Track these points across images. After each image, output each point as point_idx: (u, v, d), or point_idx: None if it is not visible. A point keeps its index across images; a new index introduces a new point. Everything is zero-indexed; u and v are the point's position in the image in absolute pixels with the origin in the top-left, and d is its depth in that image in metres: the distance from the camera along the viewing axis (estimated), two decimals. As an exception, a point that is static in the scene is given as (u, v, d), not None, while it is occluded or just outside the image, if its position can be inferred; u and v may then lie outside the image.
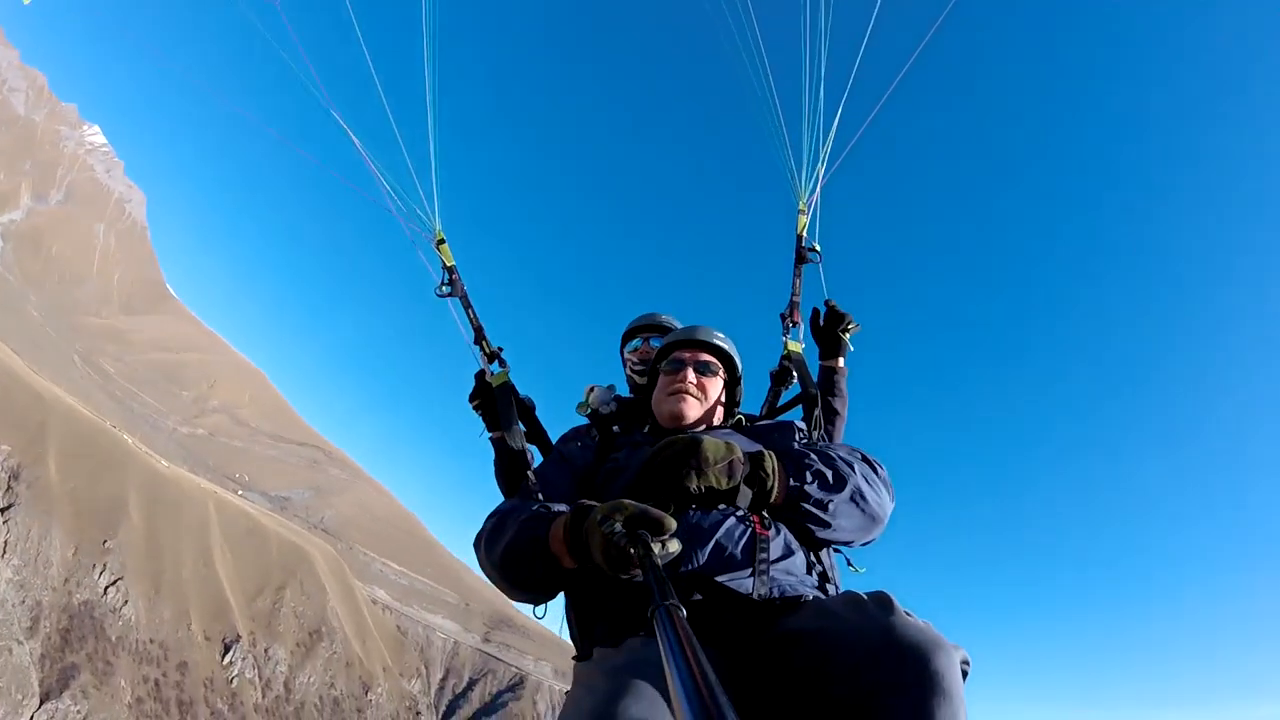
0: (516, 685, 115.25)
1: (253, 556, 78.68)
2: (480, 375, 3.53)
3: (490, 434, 3.54)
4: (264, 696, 73.52)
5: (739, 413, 3.25)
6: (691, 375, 2.95)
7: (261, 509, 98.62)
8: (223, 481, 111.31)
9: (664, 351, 3.12)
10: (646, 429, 3.08)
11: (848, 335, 3.71)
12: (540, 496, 2.66)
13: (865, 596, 1.85)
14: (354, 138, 3.66)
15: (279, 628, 77.18)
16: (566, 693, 2.10)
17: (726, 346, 3.08)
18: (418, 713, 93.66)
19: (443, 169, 3.72)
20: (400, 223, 3.66)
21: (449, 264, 3.64)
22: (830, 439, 3.43)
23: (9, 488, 61.29)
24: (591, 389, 3.70)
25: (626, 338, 4.00)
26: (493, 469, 3.57)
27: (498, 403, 3.40)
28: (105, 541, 60.62)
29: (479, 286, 3.69)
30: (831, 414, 3.55)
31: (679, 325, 3.85)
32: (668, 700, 1.49)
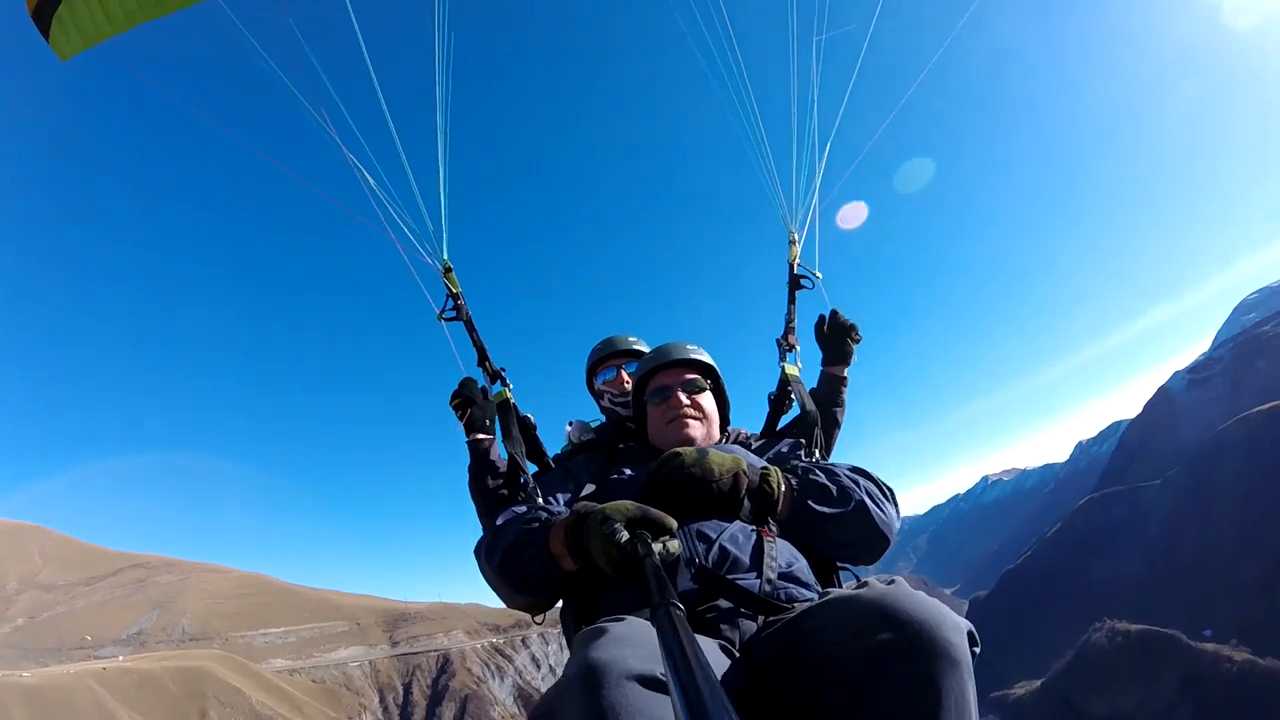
0: (445, 665, 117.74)
1: (159, 703, 75.90)
2: (467, 380, 3.49)
3: (467, 437, 3.42)
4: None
5: (732, 429, 3.30)
6: (683, 398, 2.92)
7: (131, 656, 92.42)
8: (76, 655, 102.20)
9: (642, 382, 3.07)
10: (639, 447, 3.06)
11: (854, 345, 3.67)
12: (541, 502, 2.69)
13: (872, 580, 1.83)
14: (366, 174, 3.59)
15: None
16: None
17: (704, 358, 3.04)
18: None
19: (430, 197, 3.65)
20: (400, 252, 3.61)
21: (455, 290, 3.61)
22: (828, 449, 3.46)
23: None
24: (571, 424, 3.86)
25: (594, 369, 3.92)
26: (466, 477, 3.41)
27: (498, 420, 3.39)
28: (36, 782, 56.60)
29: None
30: (832, 424, 3.56)
31: (643, 345, 3.86)
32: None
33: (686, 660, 0.97)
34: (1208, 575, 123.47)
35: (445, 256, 3.66)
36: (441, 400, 3.56)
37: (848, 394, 3.70)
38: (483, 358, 3.55)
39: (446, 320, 3.58)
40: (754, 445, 3.06)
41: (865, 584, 1.79)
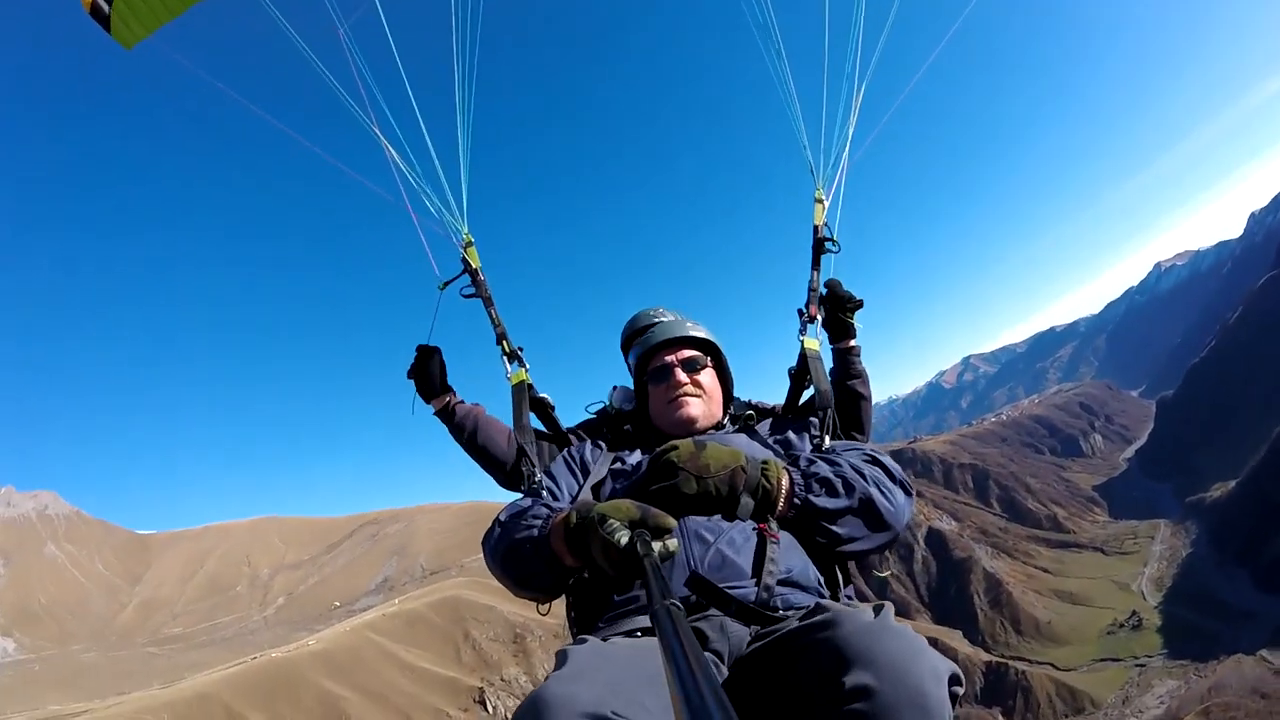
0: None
1: (430, 635, 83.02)
2: (421, 348, 3.39)
3: (433, 408, 3.39)
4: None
5: (753, 404, 3.26)
6: (682, 375, 2.87)
7: (390, 602, 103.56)
8: (339, 614, 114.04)
9: (642, 362, 3.00)
10: (643, 429, 3.05)
11: (852, 316, 3.41)
12: (546, 494, 2.63)
13: (860, 606, 1.79)
14: (391, 151, 3.44)
15: (528, 664, 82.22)
16: None
17: (703, 333, 2.98)
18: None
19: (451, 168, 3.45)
20: (416, 226, 3.46)
21: (475, 265, 3.48)
22: (861, 426, 3.34)
23: None
24: (615, 389, 3.73)
25: (626, 348, 3.67)
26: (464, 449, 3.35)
27: (513, 402, 3.24)
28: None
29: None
30: (856, 399, 3.36)
31: (668, 315, 3.61)
32: (644, 692, 1.55)
33: (687, 660, 0.96)
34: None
35: (466, 230, 3.53)
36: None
37: (863, 362, 3.48)
38: (501, 336, 3.42)
39: (465, 298, 3.48)
40: (762, 425, 2.96)
41: (852, 611, 1.74)
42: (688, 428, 2.81)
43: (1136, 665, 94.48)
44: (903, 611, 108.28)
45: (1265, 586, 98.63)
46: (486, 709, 75.10)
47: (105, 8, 3.51)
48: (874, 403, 3.53)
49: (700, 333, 2.99)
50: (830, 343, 3.45)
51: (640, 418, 3.12)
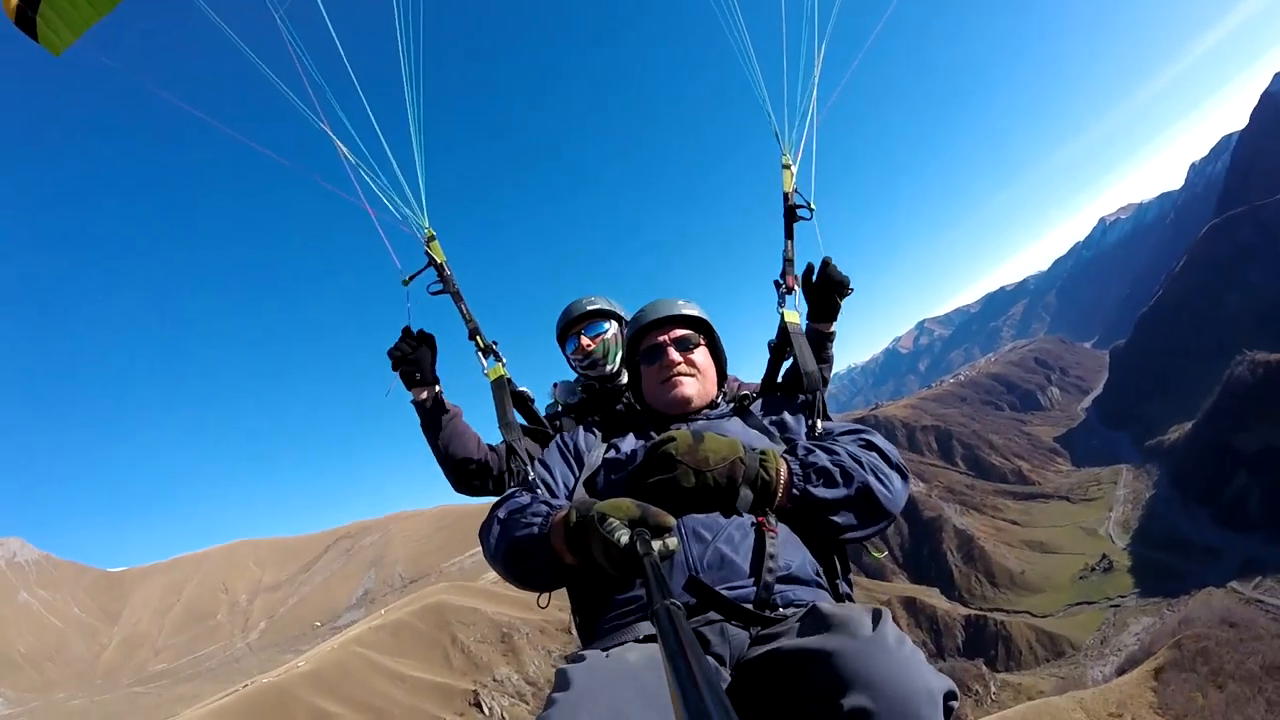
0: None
1: (416, 643, 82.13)
2: (407, 330, 3.24)
3: (414, 398, 3.25)
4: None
5: (743, 386, 3.29)
6: (675, 354, 2.79)
7: (373, 615, 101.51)
8: (322, 633, 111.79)
9: (634, 342, 2.91)
10: (636, 410, 2.99)
11: (842, 300, 3.27)
12: (541, 488, 2.59)
13: (857, 614, 1.74)
14: (340, 145, 3.29)
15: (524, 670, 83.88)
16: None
17: (695, 312, 2.89)
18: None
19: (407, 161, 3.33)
20: (373, 221, 3.29)
21: (440, 260, 3.36)
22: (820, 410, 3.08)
23: None
24: (556, 385, 3.81)
25: (561, 341, 3.80)
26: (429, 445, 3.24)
27: (495, 398, 3.15)
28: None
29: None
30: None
31: (603, 303, 3.77)
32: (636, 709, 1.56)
33: (686, 660, 0.95)
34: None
35: (427, 224, 3.42)
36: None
37: (834, 347, 3.38)
38: (474, 332, 3.32)
39: (433, 294, 3.37)
40: (755, 404, 2.87)
41: (850, 620, 1.72)
42: (682, 407, 2.76)
43: (1111, 606, 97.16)
44: (880, 575, 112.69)
45: (1225, 523, 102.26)
46: (483, 710, 75.62)
47: (31, 14, 3.37)
48: (834, 371, 3.55)
49: (692, 310, 2.89)
50: (809, 319, 3.33)
51: (633, 398, 3.07)
